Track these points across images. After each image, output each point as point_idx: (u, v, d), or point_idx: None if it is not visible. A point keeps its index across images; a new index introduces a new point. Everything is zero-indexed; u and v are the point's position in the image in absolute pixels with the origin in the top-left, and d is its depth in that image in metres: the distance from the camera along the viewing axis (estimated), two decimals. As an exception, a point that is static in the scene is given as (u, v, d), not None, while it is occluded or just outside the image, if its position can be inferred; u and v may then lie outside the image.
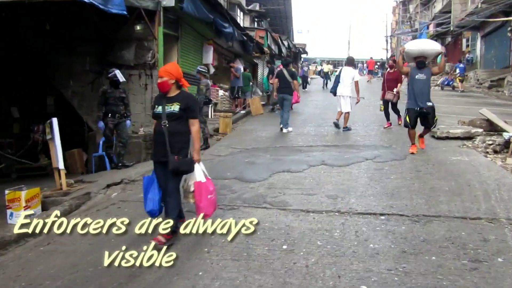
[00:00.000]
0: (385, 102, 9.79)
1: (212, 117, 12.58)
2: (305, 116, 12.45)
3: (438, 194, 4.78)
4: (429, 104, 6.64)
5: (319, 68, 36.78)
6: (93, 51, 10.36)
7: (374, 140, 8.31)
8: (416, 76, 6.66)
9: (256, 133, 9.74)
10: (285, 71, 9.87)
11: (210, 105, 11.06)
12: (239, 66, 15.57)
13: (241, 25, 18.96)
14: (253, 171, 6.13)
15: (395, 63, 9.77)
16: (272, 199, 4.81)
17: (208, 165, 6.74)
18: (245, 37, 15.24)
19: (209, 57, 12.77)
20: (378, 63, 37.61)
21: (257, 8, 27.04)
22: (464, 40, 29.68)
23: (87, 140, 10.64)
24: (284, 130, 9.62)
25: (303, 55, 39.82)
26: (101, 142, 9.54)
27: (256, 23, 27.01)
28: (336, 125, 9.44)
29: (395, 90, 9.62)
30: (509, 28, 21.86)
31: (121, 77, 7.70)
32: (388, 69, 10.42)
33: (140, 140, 9.67)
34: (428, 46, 6.94)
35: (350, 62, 9.95)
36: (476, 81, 22.49)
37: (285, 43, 27.10)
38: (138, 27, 10.00)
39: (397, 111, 9.74)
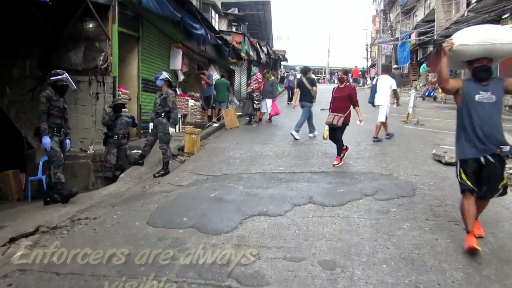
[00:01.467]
0: (332, 129, 7.09)
1: (180, 130, 11.00)
2: (285, 130, 11.02)
3: (479, 261, 3.36)
4: (507, 148, 3.50)
5: (298, 76, 35.44)
6: (35, 53, 8.69)
7: (370, 165, 6.90)
8: (477, 97, 3.61)
9: (228, 153, 8.20)
10: (304, 79, 9.84)
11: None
12: (211, 72, 14.07)
13: (217, 28, 17.51)
14: (220, 214, 4.59)
15: (346, 75, 7.34)
16: (241, 270, 3.28)
17: (162, 202, 5.20)
18: (219, 41, 13.75)
19: (177, 62, 11.21)
20: (360, 72, 36.88)
21: (236, 12, 25.62)
22: (447, 50, 28.99)
23: (26, 159, 8.87)
24: (293, 132, 9.37)
25: (283, 62, 38.67)
26: (41, 163, 7.88)
27: (234, 28, 25.58)
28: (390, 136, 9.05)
29: (358, 122, 7.10)
30: (495, 39, 21.14)
31: (72, 83, 6.09)
32: (338, 84, 7.46)
33: (89, 161, 8.04)
34: (503, 36, 3.63)
35: (387, 70, 9.42)
36: (462, 92, 21.58)
37: (264, 49, 25.77)
38: (90, 25, 8.40)
39: (339, 142, 6.99)
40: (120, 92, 8.49)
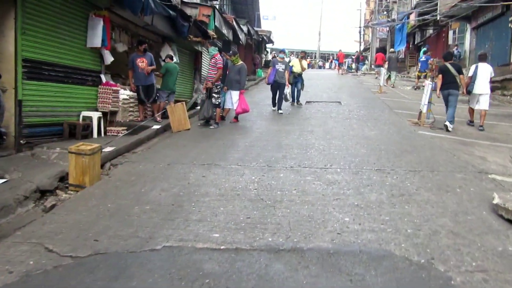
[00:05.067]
0: None
1: (106, 134, 7.74)
2: (253, 137, 7.77)
3: None
4: None
5: (287, 59, 31.35)
6: None
7: (383, 229, 3.67)
8: None
9: (142, 189, 4.87)
10: (449, 66, 9.04)
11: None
12: (170, 53, 10.71)
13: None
14: None
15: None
16: None
17: None
18: (172, 12, 10.27)
19: (96, 36, 7.73)
20: (353, 57, 33.69)
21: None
22: (451, 33, 25.85)
23: None
24: (447, 124, 8.65)
25: (268, 45, 35.11)
26: None
27: (217, 5, 21.81)
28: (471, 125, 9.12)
29: None
30: (510, 18, 18.06)
31: None
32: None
33: None
34: None
35: (484, 57, 9.26)
36: (472, 80, 18.47)
37: (244, 28, 22.26)
38: None
39: None
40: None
